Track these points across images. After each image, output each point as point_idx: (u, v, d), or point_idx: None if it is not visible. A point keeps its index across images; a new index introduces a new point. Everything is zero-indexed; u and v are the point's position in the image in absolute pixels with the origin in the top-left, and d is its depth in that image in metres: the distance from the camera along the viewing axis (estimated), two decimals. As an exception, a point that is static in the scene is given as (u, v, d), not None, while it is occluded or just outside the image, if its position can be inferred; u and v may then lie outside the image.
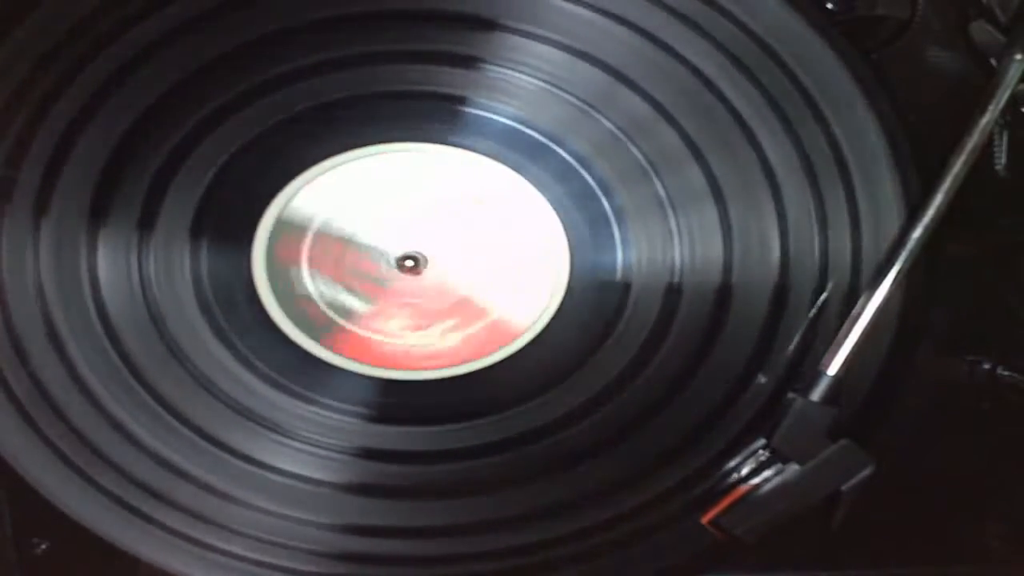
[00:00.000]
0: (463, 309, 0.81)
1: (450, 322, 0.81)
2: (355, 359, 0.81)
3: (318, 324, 0.81)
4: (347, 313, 0.81)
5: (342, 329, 0.81)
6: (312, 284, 0.80)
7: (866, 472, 0.77)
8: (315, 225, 0.79)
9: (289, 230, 0.79)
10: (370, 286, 0.81)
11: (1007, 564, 0.86)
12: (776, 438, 0.78)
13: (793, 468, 0.78)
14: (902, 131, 0.79)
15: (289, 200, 0.78)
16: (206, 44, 0.75)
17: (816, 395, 0.77)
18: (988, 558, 0.86)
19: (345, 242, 0.80)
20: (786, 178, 0.78)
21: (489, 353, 0.81)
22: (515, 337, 0.81)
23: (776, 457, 0.79)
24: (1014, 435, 0.83)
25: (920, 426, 0.82)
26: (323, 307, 0.81)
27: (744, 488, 0.79)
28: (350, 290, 0.81)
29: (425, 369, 0.81)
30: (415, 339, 0.81)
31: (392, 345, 0.81)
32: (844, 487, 0.77)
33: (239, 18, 0.75)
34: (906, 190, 0.78)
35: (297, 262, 0.80)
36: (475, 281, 0.81)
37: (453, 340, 0.81)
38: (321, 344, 0.81)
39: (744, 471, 0.80)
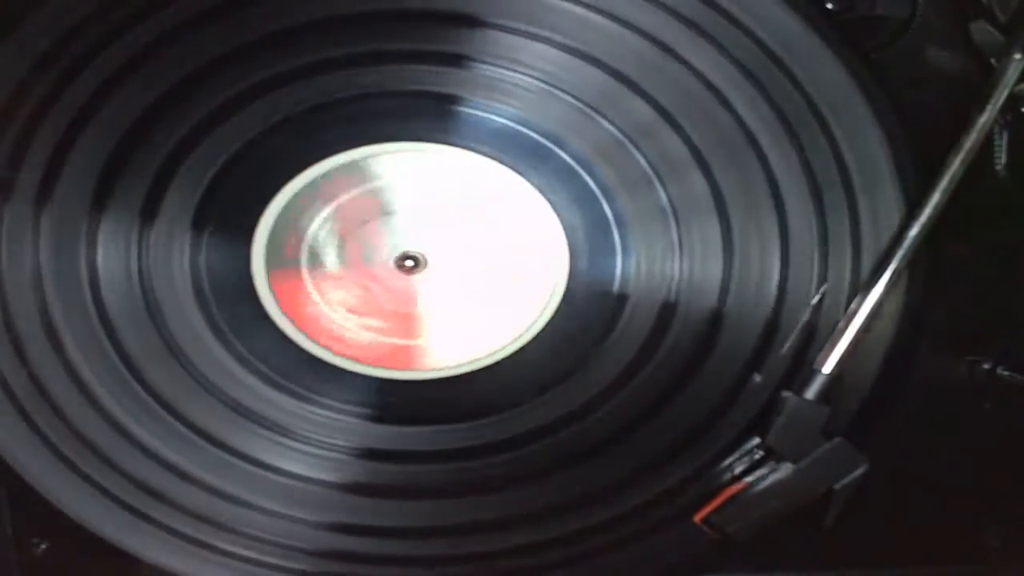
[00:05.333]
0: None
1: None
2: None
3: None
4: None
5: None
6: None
7: (860, 471, 0.77)
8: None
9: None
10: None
11: (1007, 564, 0.85)
12: (770, 436, 0.78)
13: (787, 466, 0.78)
14: (902, 131, 0.79)
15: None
16: (206, 44, 0.75)
17: (811, 393, 0.77)
18: (988, 558, 0.85)
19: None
20: (787, 182, 0.78)
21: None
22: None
23: (770, 455, 0.79)
24: (1014, 435, 0.83)
25: (920, 426, 0.82)
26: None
27: (737, 486, 0.79)
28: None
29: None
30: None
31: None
32: (837, 486, 0.77)
33: (240, 18, 0.75)
34: (906, 190, 0.78)
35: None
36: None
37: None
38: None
39: (738, 469, 0.80)
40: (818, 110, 0.78)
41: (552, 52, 0.77)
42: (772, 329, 0.80)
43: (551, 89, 0.77)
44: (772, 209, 0.79)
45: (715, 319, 0.80)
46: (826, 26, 0.77)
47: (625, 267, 0.79)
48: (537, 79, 0.77)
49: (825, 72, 0.77)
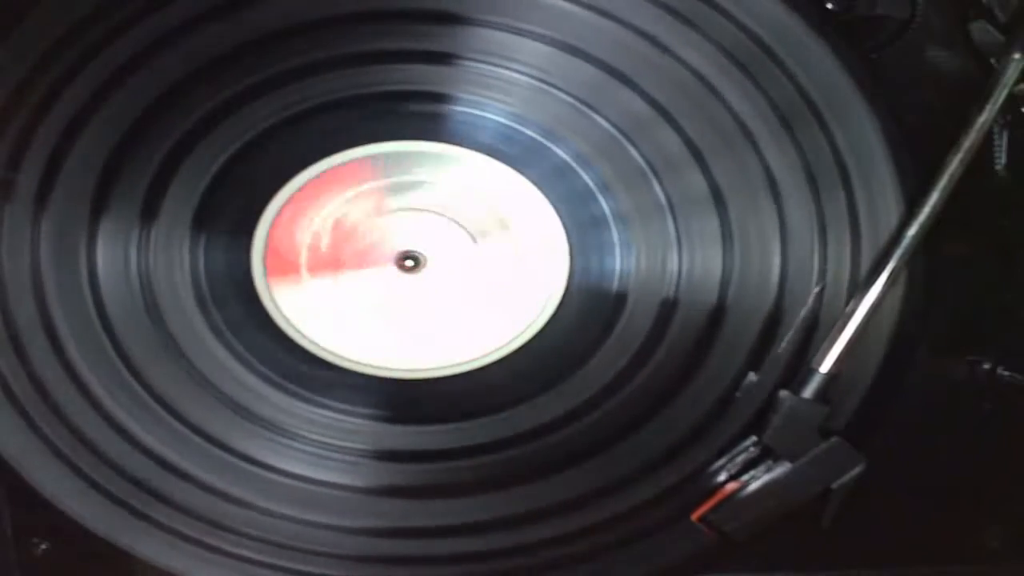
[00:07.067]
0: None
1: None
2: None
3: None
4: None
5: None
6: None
7: (857, 470, 0.77)
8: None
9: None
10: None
11: (1007, 564, 0.85)
12: (767, 435, 0.78)
13: (784, 465, 0.78)
14: (902, 131, 0.79)
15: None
16: (205, 44, 0.75)
17: (808, 392, 0.77)
18: (988, 558, 0.85)
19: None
20: (785, 178, 0.78)
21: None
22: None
23: (767, 454, 0.79)
24: (1014, 435, 0.83)
25: (920, 426, 0.82)
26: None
27: (734, 485, 0.79)
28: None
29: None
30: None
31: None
32: (834, 485, 0.77)
33: (240, 18, 0.75)
34: (905, 190, 0.78)
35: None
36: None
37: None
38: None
39: (735, 468, 0.80)
40: (817, 109, 0.78)
41: (543, 48, 0.77)
42: (773, 324, 0.79)
43: (544, 86, 0.77)
44: (771, 204, 0.78)
45: (716, 314, 0.79)
46: (826, 26, 0.77)
47: (625, 263, 0.79)
48: (529, 76, 0.77)
49: (825, 72, 0.77)
